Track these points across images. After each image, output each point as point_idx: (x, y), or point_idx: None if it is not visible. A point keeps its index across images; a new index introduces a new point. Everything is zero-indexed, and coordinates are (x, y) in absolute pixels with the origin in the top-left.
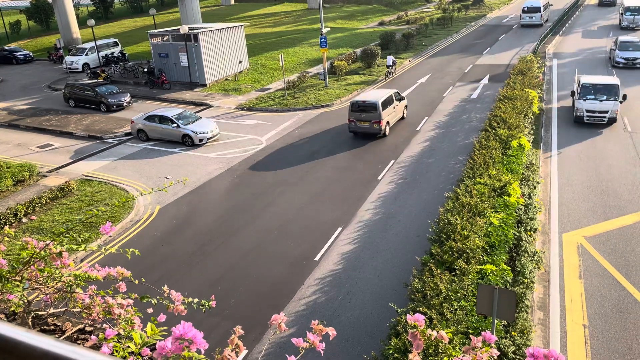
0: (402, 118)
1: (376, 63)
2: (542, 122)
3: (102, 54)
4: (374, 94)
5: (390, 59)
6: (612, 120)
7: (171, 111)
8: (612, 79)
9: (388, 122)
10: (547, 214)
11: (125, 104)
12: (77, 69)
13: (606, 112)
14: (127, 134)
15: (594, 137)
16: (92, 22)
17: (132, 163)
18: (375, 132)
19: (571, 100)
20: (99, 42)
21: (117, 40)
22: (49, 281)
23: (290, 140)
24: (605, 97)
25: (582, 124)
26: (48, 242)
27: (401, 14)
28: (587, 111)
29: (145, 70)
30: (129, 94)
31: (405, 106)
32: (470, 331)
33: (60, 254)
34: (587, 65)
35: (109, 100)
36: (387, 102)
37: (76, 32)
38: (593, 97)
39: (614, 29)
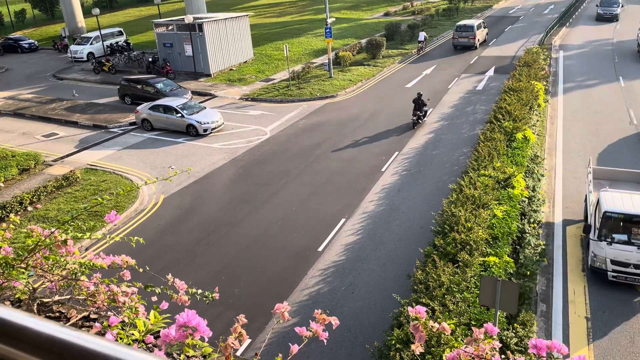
0: (484, 41)
1: (381, 54)
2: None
3: (107, 43)
4: (471, 20)
5: (422, 35)
6: None
7: (176, 101)
8: None
9: (478, 39)
10: (551, 207)
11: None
12: (82, 58)
13: None
14: (131, 124)
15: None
16: (97, 11)
17: (136, 153)
18: (471, 44)
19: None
20: (103, 32)
21: (121, 29)
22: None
23: (294, 131)
24: None
25: (605, 280)
26: (53, 230)
27: (407, 4)
28: (614, 263)
29: (150, 59)
30: (189, 91)
31: (487, 33)
32: (473, 323)
33: (65, 242)
34: (595, 60)
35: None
36: (478, 26)
37: (81, 21)
38: (625, 237)
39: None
